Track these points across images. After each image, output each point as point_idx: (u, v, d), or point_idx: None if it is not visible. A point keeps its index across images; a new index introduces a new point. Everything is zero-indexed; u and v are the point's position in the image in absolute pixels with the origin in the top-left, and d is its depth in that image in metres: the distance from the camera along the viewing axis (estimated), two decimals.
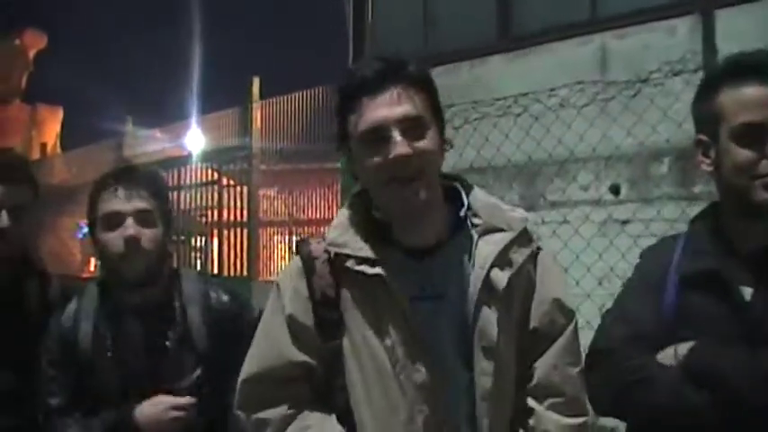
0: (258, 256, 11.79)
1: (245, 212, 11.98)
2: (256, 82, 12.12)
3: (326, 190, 11.35)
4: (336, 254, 2.20)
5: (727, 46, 6.04)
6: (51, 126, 25.89)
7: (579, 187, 6.82)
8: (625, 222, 6.25)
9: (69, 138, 23.66)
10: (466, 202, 2.25)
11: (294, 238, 11.61)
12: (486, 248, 2.18)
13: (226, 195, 12.37)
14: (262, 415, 2.22)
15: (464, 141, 7.06)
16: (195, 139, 13.69)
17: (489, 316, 2.14)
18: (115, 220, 2.64)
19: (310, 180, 11.84)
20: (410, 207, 2.13)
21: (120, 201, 2.65)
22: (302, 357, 2.21)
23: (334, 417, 2.21)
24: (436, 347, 2.15)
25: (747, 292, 2.14)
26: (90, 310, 2.70)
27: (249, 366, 2.28)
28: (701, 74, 5.83)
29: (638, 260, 2.50)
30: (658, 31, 6.63)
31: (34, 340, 2.73)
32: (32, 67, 26.78)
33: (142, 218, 2.66)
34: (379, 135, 2.09)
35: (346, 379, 2.19)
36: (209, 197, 12.60)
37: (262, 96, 12.21)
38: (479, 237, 2.21)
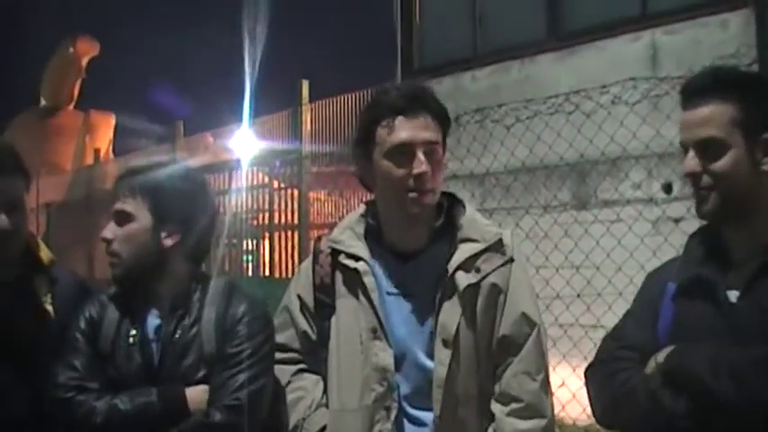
0: None
1: (295, 215, 12.03)
2: (305, 84, 12.15)
3: None
4: (334, 249, 2.64)
5: None
6: (104, 132, 26.20)
7: (631, 185, 6.77)
8: (678, 220, 6.19)
9: (122, 143, 23.98)
10: (443, 217, 2.62)
11: None
12: (458, 255, 2.54)
13: (276, 198, 12.43)
14: (278, 369, 2.68)
15: (516, 140, 7.05)
16: (245, 143, 13.76)
17: (450, 312, 2.50)
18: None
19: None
20: (415, 215, 2.53)
21: (119, 201, 2.76)
22: (304, 327, 2.69)
23: (322, 382, 2.65)
24: (399, 337, 2.54)
25: (734, 295, 2.21)
26: (119, 300, 2.76)
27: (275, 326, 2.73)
28: (755, 68, 5.77)
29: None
30: (710, 26, 6.57)
31: (43, 336, 2.77)
32: (85, 74, 27.15)
33: (120, 218, 2.74)
34: (406, 150, 2.48)
35: (328, 353, 2.62)
36: (260, 200, 12.67)
37: (311, 99, 12.25)
38: (457, 245, 2.56)
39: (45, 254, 2.99)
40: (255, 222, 12.89)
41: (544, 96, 6.94)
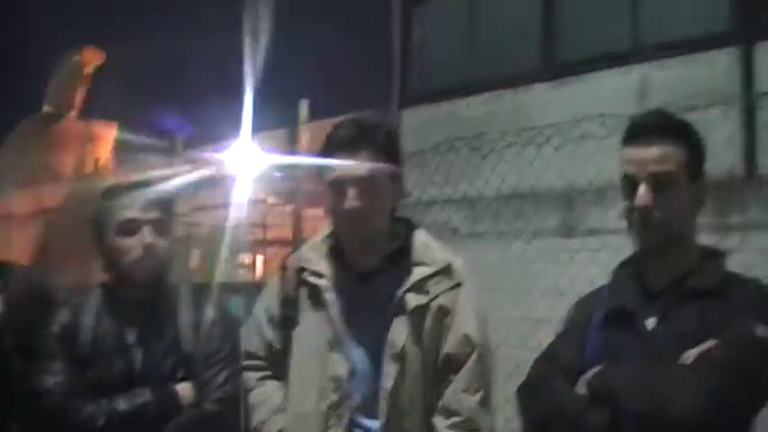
0: None
1: (289, 230, 12.14)
2: (304, 104, 12.30)
3: None
4: (300, 266, 2.86)
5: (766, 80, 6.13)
6: (105, 141, 26.19)
7: (617, 215, 6.89)
8: None
9: (121, 155, 23.98)
10: (399, 243, 2.83)
11: None
12: (410, 278, 2.75)
13: (271, 214, 12.55)
14: (244, 374, 2.94)
15: (507, 167, 7.19)
16: (242, 159, 13.87)
17: (400, 330, 2.71)
18: (131, 228, 2.89)
19: None
20: (353, 245, 2.79)
21: (135, 210, 2.90)
22: (270, 337, 2.90)
23: (283, 388, 2.88)
24: (354, 351, 2.76)
25: (652, 322, 2.44)
26: (93, 307, 2.94)
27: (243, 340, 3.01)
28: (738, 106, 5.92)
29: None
30: (699, 63, 6.71)
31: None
32: (89, 83, 27.11)
33: (157, 226, 2.92)
34: (339, 188, 2.69)
35: (290, 362, 2.84)
36: (256, 215, 12.78)
37: (309, 119, 12.38)
38: (410, 269, 2.77)
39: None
40: (250, 237, 12.99)
41: (536, 125, 7.08)
